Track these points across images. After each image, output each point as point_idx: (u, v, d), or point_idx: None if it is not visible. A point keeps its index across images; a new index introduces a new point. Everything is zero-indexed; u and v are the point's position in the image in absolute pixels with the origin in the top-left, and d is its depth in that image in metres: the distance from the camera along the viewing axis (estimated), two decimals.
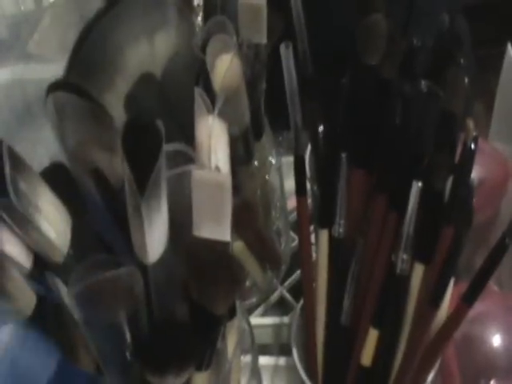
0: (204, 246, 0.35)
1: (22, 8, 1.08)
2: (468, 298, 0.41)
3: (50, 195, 0.35)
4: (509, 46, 0.67)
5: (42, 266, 0.35)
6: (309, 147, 0.53)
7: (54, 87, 0.41)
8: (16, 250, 0.35)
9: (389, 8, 0.46)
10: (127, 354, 0.33)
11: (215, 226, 0.35)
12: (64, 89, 0.41)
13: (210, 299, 0.35)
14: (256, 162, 0.54)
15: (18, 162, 0.34)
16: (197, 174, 0.35)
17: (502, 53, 0.67)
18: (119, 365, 0.33)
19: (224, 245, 0.35)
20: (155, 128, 0.32)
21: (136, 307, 0.33)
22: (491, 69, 0.70)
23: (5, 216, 0.33)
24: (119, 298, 0.32)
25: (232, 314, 0.41)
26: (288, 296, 0.64)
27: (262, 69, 0.51)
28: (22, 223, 0.34)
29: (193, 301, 0.35)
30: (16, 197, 0.32)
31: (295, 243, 0.65)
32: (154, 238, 0.33)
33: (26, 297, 0.35)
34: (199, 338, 0.36)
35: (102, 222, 0.40)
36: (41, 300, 0.35)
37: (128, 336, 0.32)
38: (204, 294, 0.35)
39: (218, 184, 0.35)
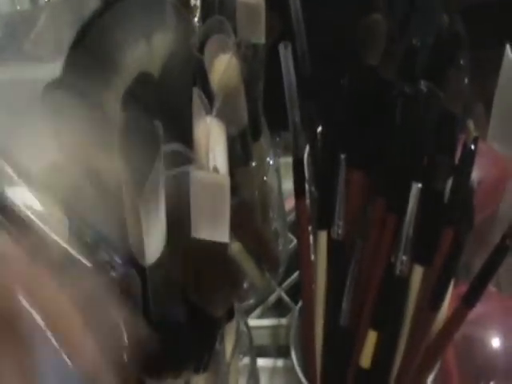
0: (202, 248, 0.35)
1: (18, 7, 1.08)
2: (468, 301, 0.41)
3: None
4: (507, 47, 0.67)
5: None
6: (307, 148, 0.53)
7: (51, 87, 0.40)
8: None
9: (388, 8, 0.46)
10: (124, 356, 0.32)
11: (214, 227, 0.35)
12: (61, 89, 0.41)
13: (209, 301, 0.35)
14: (254, 163, 0.54)
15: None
16: (195, 174, 0.35)
17: (501, 55, 0.67)
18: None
19: (222, 246, 0.35)
20: (153, 129, 0.32)
21: (133, 309, 0.33)
22: (490, 70, 0.70)
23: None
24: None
25: (230, 315, 0.41)
26: (286, 297, 0.64)
27: (260, 69, 0.51)
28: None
29: (191, 303, 0.35)
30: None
31: (293, 244, 0.65)
32: (152, 240, 0.33)
33: None
34: (197, 341, 0.35)
35: (100, 222, 0.40)
36: None
37: (125, 338, 0.32)
38: (202, 296, 0.34)
39: (217, 185, 0.35)
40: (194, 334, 0.35)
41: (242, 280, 0.36)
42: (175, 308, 0.36)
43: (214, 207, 0.35)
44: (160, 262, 0.34)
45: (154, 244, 0.33)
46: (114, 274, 0.31)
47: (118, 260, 0.34)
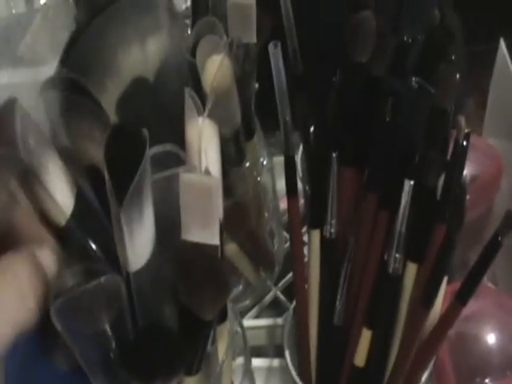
0: (193, 250, 0.35)
1: (14, 11, 1.07)
2: (462, 297, 0.40)
3: (57, 159, 0.36)
4: (501, 41, 0.66)
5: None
6: (300, 147, 0.53)
7: (51, 84, 0.40)
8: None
9: (379, 4, 0.45)
10: (112, 360, 0.32)
11: (204, 229, 0.35)
12: (61, 86, 0.40)
13: (199, 304, 0.34)
14: (247, 163, 0.54)
15: (28, 121, 0.34)
16: (185, 176, 0.35)
17: (496, 49, 0.67)
18: (104, 371, 0.33)
19: (213, 249, 0.35)
20: (140, 136, 0.32)
21: (120, 313, 0.33)
22: (485, 64, 0.70)
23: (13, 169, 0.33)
24: (102, 307, 0.31)
25: (223, 317, 0.41)
26: (282, 297, 0.64)
27: (252, 68, 0.51)
28: (29, 179, 0.34)
29: (181, 305, 0.35)
30: (24, 151, 0.32)
31: (288, 244, 0.65)
32: (136, 247, 0.33)
33: None
34: (188, 343, 0.35)
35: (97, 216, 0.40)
36: None
37: (113, 342, 0.32)
38: (193, 299, 0.34)
39: (207, 187, 0.34)
40: (184, 337, 0.35)
41: (231, 283, 0.36)
42: (165, 311, 0.36)
43: (204, 209, 0.34)
44: (147, 268, 0.34)
45: (138, 251, 0.33)
46: (96, 282, 0.31)
47: (104, 263, 0.34)
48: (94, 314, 0.31)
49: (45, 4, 1.13)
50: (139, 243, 0.33)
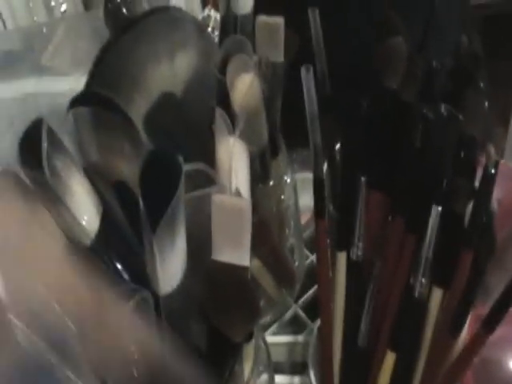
0: (223, 270, 0.35)
1: (35, 18, 1.08)
2: (488, 326, 0.40)
3: (83, 179, 0.36)
4: None
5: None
6: (325, 166, 0.53)
7: (81, 100, 0.41)
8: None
9: (408, 29, 0.46)
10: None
11: (234, 250, 0.35)
12: (91, 101, 0.41)
13: (229, 326, 0.35)
14: (272, 181, 0.54)
15: (55, 141, 0.35)
16: (217, 198, 0.35)
17: None
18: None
19: (243, 270, 0.35)
20: (175, 162, 0.32)
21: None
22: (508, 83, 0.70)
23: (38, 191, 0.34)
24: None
25: (249, 337, 0.41)
26: (302, 314, 0.64)
27: (278, 87, 0.51)
28: (54, 200, 0.34)
29: (211, 326, 0.35)
30: (50, 174, 0.33)
31: (309, 260, 0.65)
32: (167, 273, 0.33)
33: None
34: (216, 364, 0.35)
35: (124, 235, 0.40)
36: None
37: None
38: (223, 321, 0.35)
39: (238, 209, 0.35)
40: (213, 358, 0.35)
41: (260, 305, 0.36)
42: (194, 332, 0.36)
43: (235, 230, 0.35)
44: (178, 291, 0.34)
45: (169, 276, 0.33)
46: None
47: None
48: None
49: (65, 11, 1.14)
50: (171, 268, 0.33)
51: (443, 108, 0.43)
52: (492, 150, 0.42)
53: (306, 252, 0.64)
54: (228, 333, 0.35)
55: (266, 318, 0.62)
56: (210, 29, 0.87)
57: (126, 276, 0.39)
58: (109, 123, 0.42)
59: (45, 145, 0.34)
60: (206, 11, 1.37)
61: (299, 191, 0.60)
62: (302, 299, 0.65)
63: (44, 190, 0.34)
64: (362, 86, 0.45)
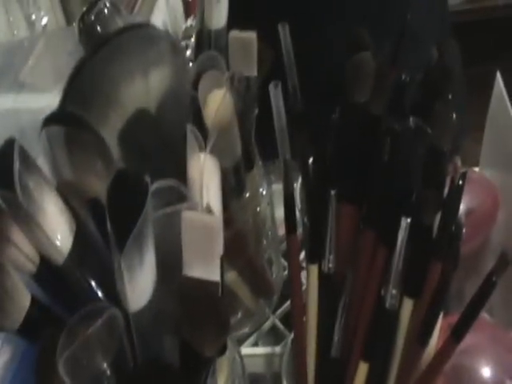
0: (194, 286, 0.35)
1: (15, 32, 1.08)
2: (456, 335, 0.41)
3: (56, 198, 0.37)
4: (498, 74, 0.67)
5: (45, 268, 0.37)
6: (299, 178, 0.54)
7: (53, 119, 0.41)
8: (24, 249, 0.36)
9: (378, 42, 0.46)
10: None
11: (205, 265, 0.36)
12: (63, 121, 0.41)
13: (200, 341, 0.35)
14: (247, 194, 0.54)
15: (27, 161, 0.35)
16: (187, 214, 0.35)
17: (495, 70, 0.68)
18: None
19: (214, 285, 0.36)
20: (142, 182, 0.33)
21: (119, 350, 0.33)
22: (484, 86, 0.70)
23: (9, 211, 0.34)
24: (103, 346, 0.32)
25: (223, 350, 0.41)
26: (280, 325, 0.65)
27: (252, 100, 0.52)
28: (26, 220, 0.35)
29: (182, 342, 0.35)
30: (22, 193, 0.34)
31: (287, 271, 0.65)
32: (136, 290, 0.34)
33: (21, 297, 0.35)
34: (188, 379, 0.36)
35: (97, 251, 0.40)
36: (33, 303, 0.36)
37: (113, 380, 0.33)
38: (194, 336, 0.35)
39: (208, 226, 0.35)
40: (185, 372, 0.35)
41: (230, 320, 0.36)
42: (165, 347, 0.37)
43: (205, 247, 0.35)
44: (147, 307, 0.34)
45: (138, 294, 0.34)
46: (95, 326, 0.31)
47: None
48: (96, 356, 0.32)
49: (46, 25, 1.14)
50: (140, 285, 0.34)
51: (411, 121, 0.44)
52: (459, 162, 0.42)
53: (284, 263, 0.64)
54: (200, 347, 0.36)
55: (244, 330, 0.62)
56: (192, 39, 0.88)
57: (99, 293, 0.40)
58: (81, 142, 0.42)
59: (17, 164, 0.34)
60: (189, 21, 1.37)
61: (277, 202, 0.60)
62: (280, 310, 0.65)
63: (16, 210, 0.35)
64: (333, 100, 0.46)
